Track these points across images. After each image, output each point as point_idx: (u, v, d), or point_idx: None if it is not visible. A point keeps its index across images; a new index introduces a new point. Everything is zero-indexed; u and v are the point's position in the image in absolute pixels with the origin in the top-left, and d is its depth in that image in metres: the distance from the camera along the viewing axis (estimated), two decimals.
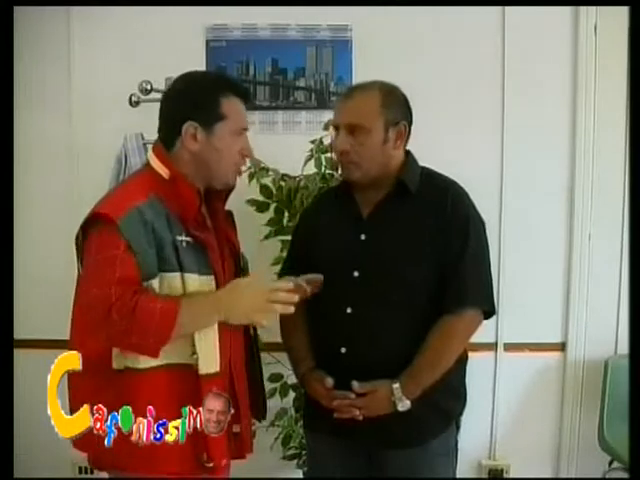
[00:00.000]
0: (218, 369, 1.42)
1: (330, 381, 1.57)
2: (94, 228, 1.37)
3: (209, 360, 1.41)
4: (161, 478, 1.43)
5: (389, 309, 1.56)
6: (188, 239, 1.42)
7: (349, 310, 1.58)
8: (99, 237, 1.36)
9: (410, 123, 1.62)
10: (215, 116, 1.45)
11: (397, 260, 1.56)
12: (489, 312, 1.62)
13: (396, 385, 1.52)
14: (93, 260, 1.36)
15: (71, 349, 1.38)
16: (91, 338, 1.38)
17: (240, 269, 1.60)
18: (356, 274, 1.58)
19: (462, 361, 1.65)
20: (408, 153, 1.66)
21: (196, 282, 1.41)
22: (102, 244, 1.35)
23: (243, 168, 2.09)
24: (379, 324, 1.56)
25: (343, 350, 1.58)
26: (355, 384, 1.54)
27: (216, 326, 1.42)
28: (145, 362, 1.37)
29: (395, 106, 1.58)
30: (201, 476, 1.45)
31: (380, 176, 1.60)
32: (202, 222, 1.47)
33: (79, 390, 1.41)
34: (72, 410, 1.34)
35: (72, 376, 1.37)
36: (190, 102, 1.46)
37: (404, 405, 1.52)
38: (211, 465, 1.42)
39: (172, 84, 1.55)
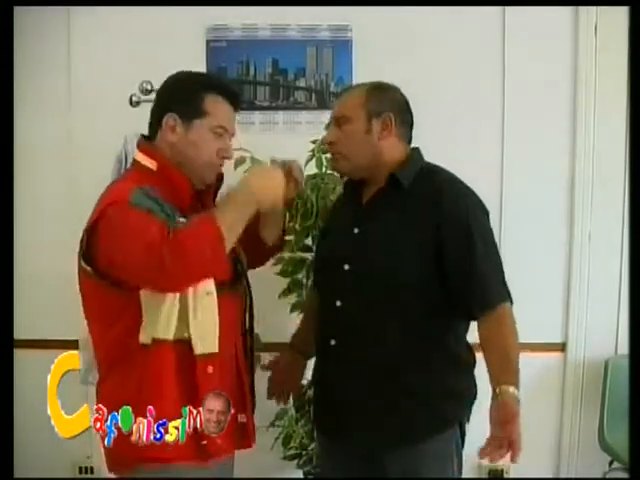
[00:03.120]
0: (216, 350, 1.43)
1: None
2: (106, 215, 1.35)
3: (206, 339, 1.42)
4: (166, 478, 1.43)
5: (377, 303, 1.55)
6: (184, 220, 1.42)
7: (338, 303, 1.59)
8: (117, 215, 1.34)
9: (404, 118, 1.62)
10: (195, 111, 1.47)
11: (386, 254, 1.55)
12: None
13: (509, 389, 1.43)
14: (121, 229, 1.33)
15: (97, 349, 1.44)
16: (119, 323, 1.40)
17: (237, 261, 1.59)
18: (347, 267, 1.58)
19: (463, 363, 1.64)
20: (414, 150, 1.66)
21: None
22: (123, 216, 1.34)
23: (244, 168, 2.12)
24: (367, 318, 1.56)
25: (333, 342, 1.60)
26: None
27: (216, 307, 1.42)
28: (171, 332, 1.38)
29: (380, 98, 1.60)
30: (202, 463, 1.44)
31: (372, 168, 1.60)
32: (196, 209, 1.48)
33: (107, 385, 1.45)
34: None
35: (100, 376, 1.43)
36: (173, 95, 1.49)
37: (514, 391, 1.43)
38: (204, 443, 1.41)
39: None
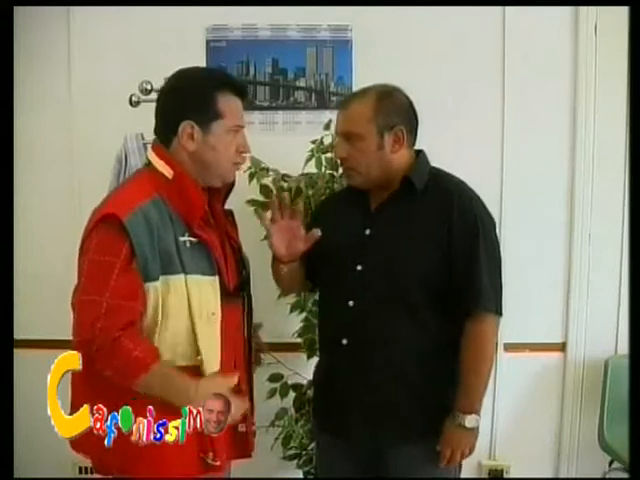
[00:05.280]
0: (219, 367, 1.43)
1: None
2: (98, 227, 1.36)
3: (213, 360, 1.42)
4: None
5: (390, 303, 1.58)
6: (191, 239, 1.41)
7: (351, 303, 1.60)
8: (102, 237, 1.34)
9: (412, 126, 1.63)
10: (212, 114, 1.44)
11: (399, 256, 1.57)
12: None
13: (465, 418, 1.55)
14: (90, 261, 1.34)
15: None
16: None
17: (242, 267, 1.60)
18: (359, 268, 1.60)
19: None
20: (419, 153, 1.67)
21: (200, 283, 1.41)
22: (104, 245, 1.34)
23: (244, 167, 2.12)
24: (379, 318, 1.58)
25: (344, 342, 1.61)
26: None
27: (218, 326, 1.42)
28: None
29: (390, 111, 1.58)
30: (204, 476, 1.45)
31: (385, 178, 1.61)
32: (207, 220, 1.47)
33: (80, 390, 1.41)
34: (73, 410, 1.34)
35: (75, 376, 1.38)
36: (186, 100, 1.45)
37: (470, 421, 1.55)
38: (218, 463, 1.42)
39: (167, 81, 1.53)
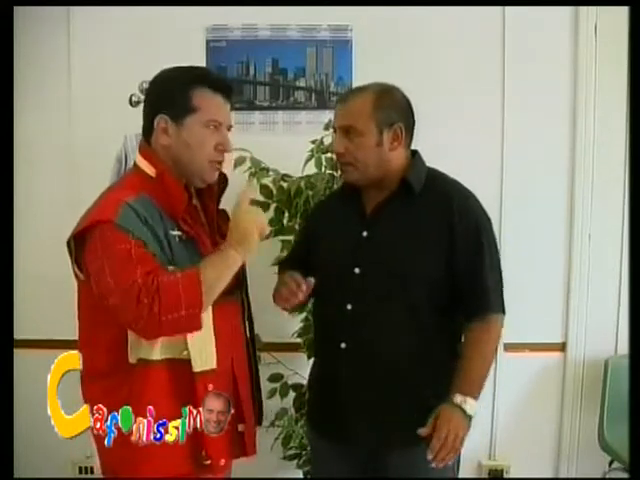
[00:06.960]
0: (215, 366, 1.41)
1: (312, 280, 1.56)
2: (93, 233, 1.34)
3: (204, 357, 1.41)
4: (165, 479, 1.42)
5: (389, 306, 1.57)
6: (180, 234, 1.41)
7: (349, 306, 1.59)
8: (102, 239, 1.33)
9: (409, 124, 1.62)
10: (185, 109, 1.43)
11: (398, 258, 1.57)
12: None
13: (466, 400, 1.49)
14: (104, 259, 1.32)
15: (83, 351, 1.39)
16: (107, 334, 1.38)
17: None
18: (357, 270, 1.59)
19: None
20: (415, 153, 1.66)
21: None
22: (108, 242, 1.33)
23: (244, 168, 2.12)
24: (378, 321, 1.57)
25: (343, 346, 1.59)
26: (421, 431, 1.49)
27: (211, 322, 1.41)
28: (157, 354, 1.36)
29: (389, 108, 1.58)
30: (200, 477, 1.44)
31: (382, 177, 1.61)
32: (195, 217, 1.47)
33: (92, 391, 1.41)
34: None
35: (84, 378, 1.38)
36: (160, 95, 1.46)
37: (470, 405, 1.48)
38: (208, 463, 1.41)
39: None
